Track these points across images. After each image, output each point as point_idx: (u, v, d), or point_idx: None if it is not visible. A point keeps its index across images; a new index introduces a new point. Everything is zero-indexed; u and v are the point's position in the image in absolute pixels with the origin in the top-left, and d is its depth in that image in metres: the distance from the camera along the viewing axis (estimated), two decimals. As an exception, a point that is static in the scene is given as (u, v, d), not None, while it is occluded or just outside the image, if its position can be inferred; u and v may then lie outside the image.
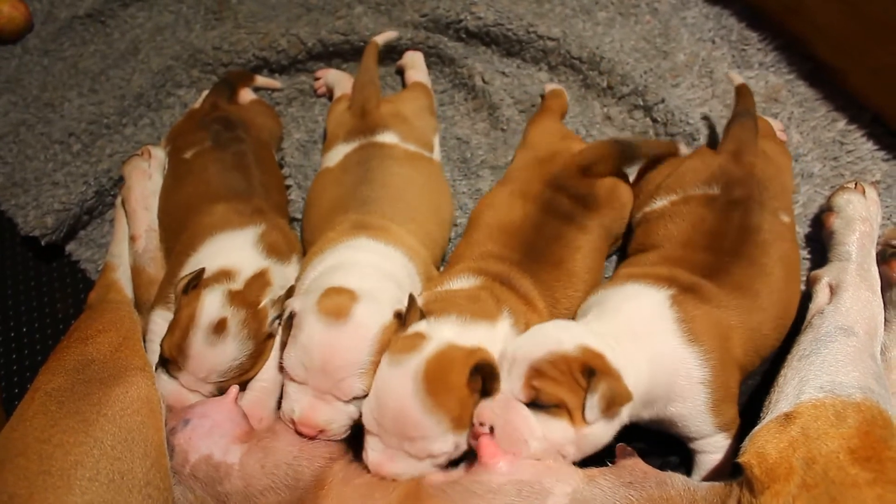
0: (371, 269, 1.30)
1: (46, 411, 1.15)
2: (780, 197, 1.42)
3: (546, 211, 1.42)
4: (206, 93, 1.88)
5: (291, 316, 1.25)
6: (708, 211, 1.38)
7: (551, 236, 1.39)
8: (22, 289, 1.73)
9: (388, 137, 1.61)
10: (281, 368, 1.27)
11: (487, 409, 1.13)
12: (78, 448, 1.09)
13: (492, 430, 1.12)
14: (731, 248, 1.32)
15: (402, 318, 1.22)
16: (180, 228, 1.49)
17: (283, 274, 1.41)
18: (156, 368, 1.31)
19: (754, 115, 1.53)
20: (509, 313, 1.26)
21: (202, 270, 1.32)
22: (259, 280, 1.35)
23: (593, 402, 1.09)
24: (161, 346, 1.30)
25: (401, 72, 1.96)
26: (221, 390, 1.29)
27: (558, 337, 1.15)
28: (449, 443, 1.12)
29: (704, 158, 1.50)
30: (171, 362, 1.28)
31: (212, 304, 1.27)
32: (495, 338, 1.21)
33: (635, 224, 1.51)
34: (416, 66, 1.91)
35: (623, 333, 1.20)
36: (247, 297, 1.31)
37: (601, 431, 1.13)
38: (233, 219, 1.46)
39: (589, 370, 1.10)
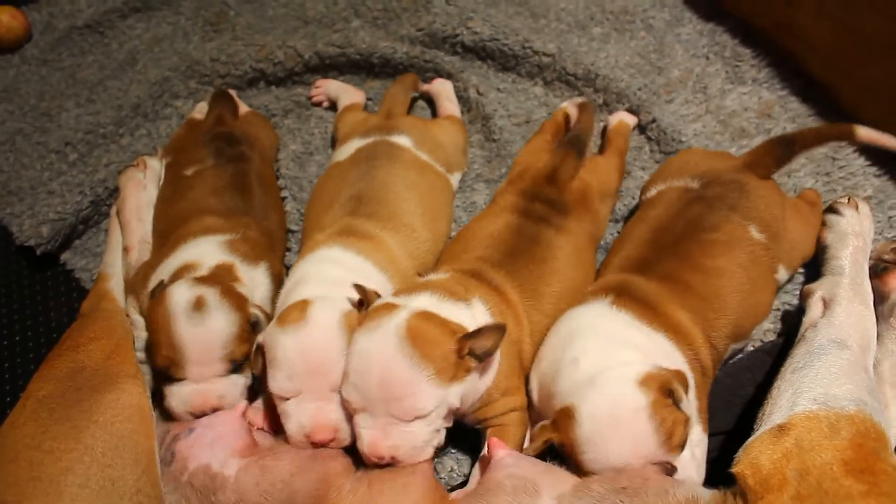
0: (325, 280, 1.31)
1: (37, 418, 1.15)
2: (766, 221, 1.38)
3: (524, 217, 1.45)
4: (203, 103, 1.89)
5: (260, 349, 1.25)
6: (671, 205, 1.40)
7: (531, 238, 1.41)
8: (16, 297, 1.73)
9: (402, 140, 1.62)
10: (271, 399, 1.26)
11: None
12: (68, 454, 1.09)
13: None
14: (670, 244, 1.34)
15: (359, 305, 1.24)
16: (172, 234, 1.50)
17: (251, 275, 1.41)
18: (162, 388, 1.29)
19: (792, 149, 1.47)
20: (481, 299, 1.27)
21: (161, 282, 1.32)
22: (226, 271, 1.35)
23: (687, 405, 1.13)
24: (152, 364, 1.29)
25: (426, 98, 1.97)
26: (232, 362, 1.27)
27: (626, 395, 1.10)
28: (435, 397, 1.12)
29: (711, 155, 1.52)
30: (170, 369, 1.25)
31: (179, 291, 1.27)
32: (473, 317, 1.22)
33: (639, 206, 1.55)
34: (449, 96, 1.89)
35: (614, 343, 1.21)
36: (216, 278, 1.31)
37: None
38: (213, 227, 1.46)
39: (667, 391, 1.11)
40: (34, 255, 1.71)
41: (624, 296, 1.27)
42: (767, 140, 1.52)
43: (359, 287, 1.24)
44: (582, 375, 1.16)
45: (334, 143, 1.82)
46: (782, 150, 1.47)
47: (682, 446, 1.11)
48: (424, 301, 1.21)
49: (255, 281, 1.41)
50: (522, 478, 1.11)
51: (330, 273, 1.33)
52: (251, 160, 1.65)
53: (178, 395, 1.26)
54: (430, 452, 1.17)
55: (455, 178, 1.73)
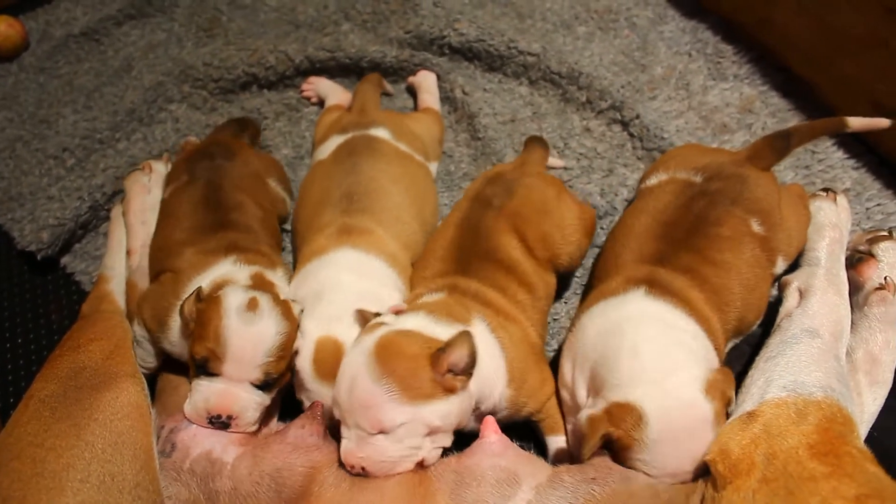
0: (347, 293, 1.34)
1: (40, 417, 1.19)
2: (765, 212, 1.38)
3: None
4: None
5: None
6: (676, 198, 1.40)
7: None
8: (18, 301, 1.76)
9: (380, 132, 1.66)
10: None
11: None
12: (70, 451, 1.13)
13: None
14: (681, 238, 1.34)
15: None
16: (160, 268, 1.47)
17: (276, 277, 1.41)
18: (191, 381, 1.28)
19: (789, 142, 1.50)
20: (482, 319, 1.28)
21: (200, 288, 1.28)
22: (261, 281, 1.35)
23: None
24: (191, 352, 1.25)
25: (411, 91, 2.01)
26: (267, 376, 1.24)
27: (696, 406, 1.12)
28: (401, 413, 1.12)
29: (713, 149, 1.56)
30: (208, 361, 1.23)
31: (235, 290, 1.26)
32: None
33: (637, 195, 1.55)
34: (429, 89, 1.95)
35: (669, 333, 1.22)
36: (261, 285, 1.32)
37: None
38: (201, 261, 1.40)
39: (728, 400, 1.15)
40: (35, 259, 1.75)
41: (655, 287, 1.27)
42: (767, 135, 1.53)
43: (359, 312, 1.28)
44: (644, 370, 1.15)
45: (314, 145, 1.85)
46: (781, 142, 1.49)
47: None
48: (416, 321, 1.22)
49: (280, 286, 1.40)
50: (505, 469, 1.14)
51: (350, 285, 1.36)
52: (225, 169, 1.57)
53: (205, 391, 1.24)
54: (405, 467, 1.15)
55: (432, 168, 1.77)
